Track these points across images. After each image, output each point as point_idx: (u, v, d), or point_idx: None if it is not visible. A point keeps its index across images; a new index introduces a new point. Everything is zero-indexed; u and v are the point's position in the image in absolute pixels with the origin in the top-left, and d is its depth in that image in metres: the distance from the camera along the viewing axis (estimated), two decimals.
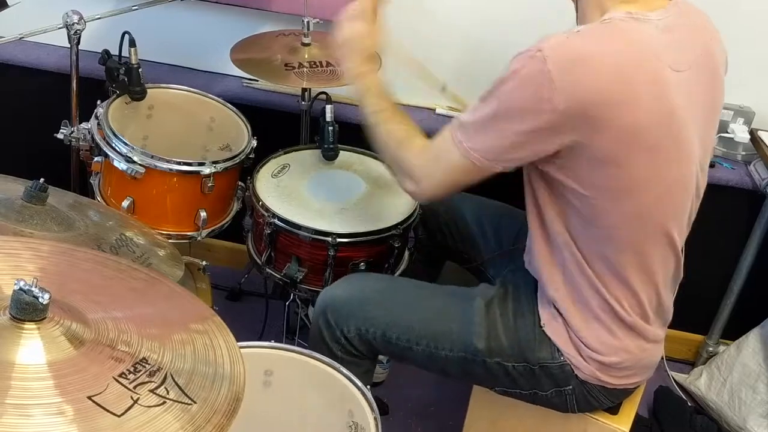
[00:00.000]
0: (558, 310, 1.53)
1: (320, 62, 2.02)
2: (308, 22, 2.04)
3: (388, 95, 1.60)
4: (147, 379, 0.93)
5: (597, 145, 1.33)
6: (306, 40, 2.05)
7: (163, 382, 0.94)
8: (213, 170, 1.86)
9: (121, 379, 0.92)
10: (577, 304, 1.50)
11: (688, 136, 1.40)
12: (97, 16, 1.95)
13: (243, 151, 1.95)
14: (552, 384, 1.56)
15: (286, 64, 2.00)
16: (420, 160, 1.50)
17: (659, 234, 1.45)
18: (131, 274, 1.17)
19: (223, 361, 1.03)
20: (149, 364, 0.96)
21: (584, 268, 1.46)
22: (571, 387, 1.55)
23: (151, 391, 0.92)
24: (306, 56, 2.03)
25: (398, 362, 1.71)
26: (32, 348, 0.91)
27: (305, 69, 1.99)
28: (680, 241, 1.50)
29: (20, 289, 0.91)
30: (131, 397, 0.90)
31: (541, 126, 1.31)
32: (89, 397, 0.88)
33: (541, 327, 1.55)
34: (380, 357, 1.85)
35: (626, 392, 1.61)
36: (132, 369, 0.94)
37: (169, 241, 1.79)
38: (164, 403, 0.91)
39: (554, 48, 1.30)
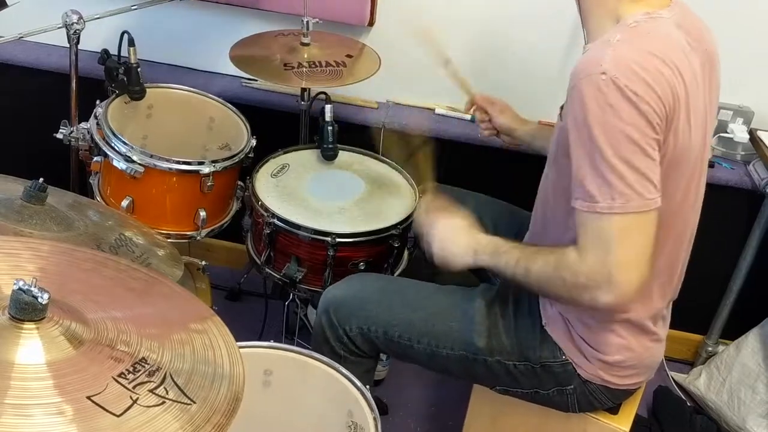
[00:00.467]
0: (561, 310, 1.53)
1: (319, 62, 2.02)
2: (308, 22, 2.04)
3: (508, 242, 1.47)
4: (146, 379, 0.93)
5: (671, 143, 1.31)
6: (305, 40, 2.05)
7: (162, 382, 0.94)
8: (212, 170, 1.86)
9: (120, 379, 0.92)
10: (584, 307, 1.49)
11: (699, 133, 1.41)
12: (96, 16, 1.95)
13: (242, 150, 1.95)
14: (553, 383, 1.56)
15: (285, 64, 2.00)
16: (587, 264, 1.29)
17: (688, 229, 1.46)
18: (131, 274, 1.17)
19: (222, 361, 1.03)
20: (148, 364, 0.96)
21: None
22: (572, 387, 1.55)
23: (151, 391, 0.92)
24: (305, 56, 2.03)
25: (400, 360, 1.71)
26: (31, 348, 0.91)
27: (304, 69, 1.99)
28: (692, 236, 1.50)
29: (19, 288, 0.91)
30: (130, 397, 0.90)
31: (655, 129, 1.26)
32: (88, 397, 0.88)
33: (543, 326, 1.56)
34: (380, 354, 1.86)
35: (628, 393, 1.62)
36: (131, 369, 0.94)
37: (169, 240, 1.79)
38: (163, 403, 0.91)
39: (615, 64, 1.25)
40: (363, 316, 1.63)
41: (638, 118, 1.25)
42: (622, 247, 1.27)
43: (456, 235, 1.52)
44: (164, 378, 0.95)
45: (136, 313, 1.06)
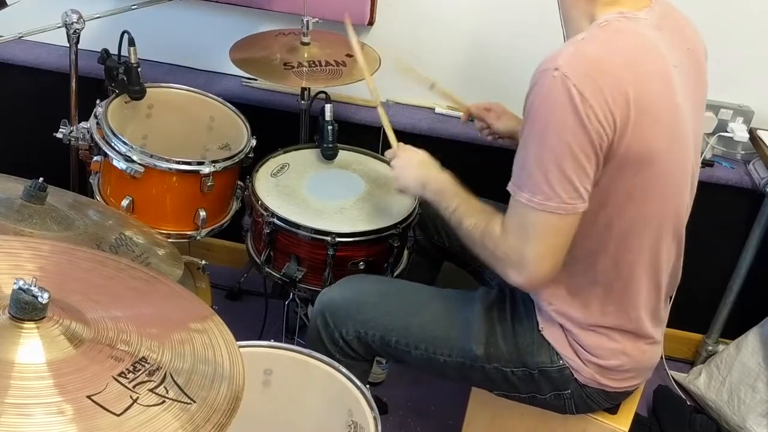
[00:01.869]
0: (556, 314, 1.53)
1: (319, 61, 2.02)
2: (307, 22, 2.04)
3: (457, 190, 1.55)
4: (146, 379, 0.93)
5: (626, 146, 1.31)
6: (305, 40, 2.05)
7: (162, 382, 0.94)
8: (212, 169, 1.86)
9: (120, 379, 0.92)
10: (576, 308, 1.49)
11: (686, 133, 1.41)
12: (96, 16, 1.95)
13: (242, 150, 1.95)
14: (551, 388, 1.56)
15: (285, 64, 2.00)
16: (506, 243, 1.38)
17: (669, 230, 1.45)
18: (131, 273, 1.17)
19: (222, 361, 1.03)
20: (149, 363, 0.96)
21: (587, 270, 1.45)
22: (569, 391, 1.55)
23: (151, 390, 0.92)
24: (305, 55, 2.03)
25: (396, 364, 1.71)
26: (32, 347, 0.91)
27: (304, 68, 1.99)
28: (683, 237, 1.50)
29: (20, 288, 0.91)
30: (131, 397, 0.90)
31: (592, 139, 1.28)
32: (89, 397, 0.88)
33: (539, 331, 1.55)
34: (378, 358, 1.85)
35: (625, 394, 1.62)
36: (131, 368, 0.94)
37: (169, 240, 1.79)
38: (163, 402, 0.91)
39: (570, 62, 1.27)
40: (360, 320, 1.63)
41: (577, 125, 1.26)
42: (536, 241, 1.34)
43: (413, 166, 1.65)
44: (164, 377, 0.95)
45: (136, 313, 1.06)
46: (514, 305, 1.61)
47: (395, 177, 1.68)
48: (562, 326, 1.52)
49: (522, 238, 1.35)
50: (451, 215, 1.52)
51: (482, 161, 2.32)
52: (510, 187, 1.36)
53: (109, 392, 0.89)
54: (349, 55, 2.07)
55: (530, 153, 1.32)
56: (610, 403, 1.61)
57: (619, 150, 1.30)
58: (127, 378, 0.92)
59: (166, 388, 0.93)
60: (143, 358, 0.96)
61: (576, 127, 1.26)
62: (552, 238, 1.34)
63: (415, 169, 1.64)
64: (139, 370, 0.94)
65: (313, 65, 2.00)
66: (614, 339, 1.50)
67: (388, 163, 1.74)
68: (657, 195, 1.39)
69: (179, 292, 1.17)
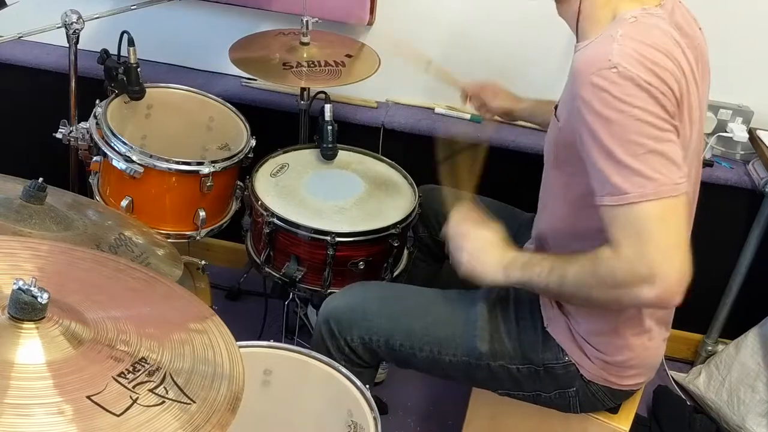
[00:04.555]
0: (561, 309, 1.53)
1: (319, 61, 2.02)
2: (307, 22, 2.04)
3: (534, 255, 1.46)
4: (146, 379, 0.93)
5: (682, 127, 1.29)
6: (305, 40, 2.05)
7: (162, 382, 0.94)
8: (212, 170, 1.86)
9: (120, 379, 0.92)
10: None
11: (696, 128, 1.41)
12: (95, 16, 1.95)
13: (242, 150, 1.95)
14: (555, 386, 1.56)
15: (284, 64, 2.00)
16: (624, 260, 1.23)
17: (689, 222, 1.45)
18: (130, 273, 1.17)
19: (222, 361, 1.03)
20: (148, 363, 0.96)
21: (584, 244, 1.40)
22: (574, 389, 1.55)
23: (151, 390, 0.92)
24: (305, 55, 2.03)
25: (400, 367, 1.71)
26: (31, 348, 0.91)
27: (304, 68, 1.99)
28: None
29: (19, 288, 0.91)
30: (130, 397, 0.90)
31: (668, 110, 1.24)
32: (88, 397, 0.88)
33: (544, 327, 1.55)
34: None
35: (628, 394, 1.61)
36: (131, 369, 0.94)
37: (168, 240, 1.79)
38: (163, 402, 0.91)
39: (623, 56, 1.23)
40: (364, 327, 1.63)
41: (654, 105, 1.23)
42: (661, 233, 1.21)
43: (488, 250, 1.47)
44: (164, 378, 0.95)
45: (135, 313, 1.06)
46: (518, 302, 1.61)
47: (466, 267, 1.47)
48: (567, 322, 1.52)
49: (641, 242, 1.21)
50: (548, 278, 1.36)
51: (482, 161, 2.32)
52: (607, 201, 1.25)
53: (109, 392, 0.89)
54: (349, 55, 2.07)
55: (610, 153, 1.24)
56: (614, 402, 1.61)
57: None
58: (127, 378, 0.92)
59: (165, 388, 0.93)
60: (143, 358, 0.96)
61: (654, 107, 1.22)
62: (673, 223, 1.22)
63: (493, 253, 1.46)
64: (139, 370, 0.94)
65: (312, 65, 2.00)
66: (620, 335, 1.49)
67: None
68: (689, 184, 1.39)
69: (178, 293, 1.17)
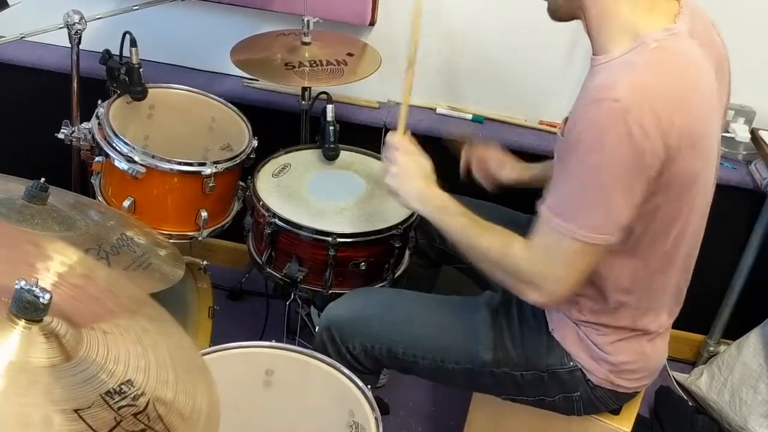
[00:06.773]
0: (567, 313, 1.52)
1: (320, 61, 2.02)
2: (308, 21, 2.04)
3: (460, 208, 1.50)
4: (131, 403, 0.92)
5: (671, 174, 1.29)
6: (306, 40, 2.05)
7: (145, 409, 0.93)
8: (214, 170, 1.86)
9: (107, 398, 0.91)
10: (590, 309, 1.49)
11: (714, 143, 1.41)
12: (97, 16, 1.95)
13: (244, 150, 1.95)
14: (560, 390, 1.56)
15: (286, 64, 2.00)
16: (529, 264, 1.36)
17: (700, 239, 1.49)
18: (119, 290, 1.14)
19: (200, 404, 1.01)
20: (134, 387, 0.94)
21: (607, 273, 1.43)
22: (578, 393, 1.55)
23: (134, 415, 0.91)
24: (306, 55, 2.03)
25: (403, 374, 1.71)
26: (30, 348, 0.90)
27: (305, 68, 1.99)
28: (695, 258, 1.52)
29: (21, 288, 0.91)
30: (114, 419, 0.89)
31: (647, 174, 1.26)
32: (75, 411, 0.87)
33: (549, 332, 1.55)
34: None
35: (631, 395, 1.61)
36: (118, 389, 0.92)
37: (170, 241, 1.79)
38: (145, 430, 0.90)
39: (631, 93, 1.22)
40: (366, 334, 1.62)
41: (632, 160, 1.23)
42: (566, 266, 1.32)
43: (414, 177, 1.54)
44: (147, 405, 0.93)
45: (127, 331, 1.04)
46: (521, 308, 1.60)
47: (392, 176, 1.56)
48: (574, 326, 1.52)
49: (549, 262, 1.33)
50: (459, 236, 1.47)
51: None
52: (544, 211, 1.33)
53: (96, 409, 0.88)
54: (351, 54, 2.07)
55: (576, 182, 1.29)
56: (617, 404, 1.61)
57: (663, 177, 1.28)
58: (113, 399, 0.91)
59: (148, 416, 0.92)
60: (129, 380, 0.95)
61: (631, 162, 1.23)
62: (582, 265, 1.33)
63: (418, 180, 1.54)
64: (125, 393, 0.93)
65: (314, 65, 2.00)
66: (626, 338, 1.50)
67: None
68: (697, 213, 1.41)
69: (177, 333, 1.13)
